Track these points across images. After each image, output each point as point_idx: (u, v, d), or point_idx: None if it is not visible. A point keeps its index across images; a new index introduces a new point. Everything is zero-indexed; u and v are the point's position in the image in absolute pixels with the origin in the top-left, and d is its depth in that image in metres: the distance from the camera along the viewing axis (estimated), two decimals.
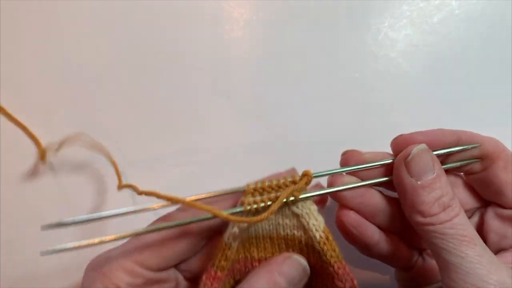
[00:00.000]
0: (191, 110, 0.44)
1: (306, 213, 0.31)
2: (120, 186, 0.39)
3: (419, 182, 0.29)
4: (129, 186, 0.37)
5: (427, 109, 0.44)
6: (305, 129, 0.44)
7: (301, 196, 0.31)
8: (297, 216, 0.32)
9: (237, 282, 0.33)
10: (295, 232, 0.32)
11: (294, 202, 0.31)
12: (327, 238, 0.31)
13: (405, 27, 0.45)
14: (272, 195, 0.31)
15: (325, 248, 0.31)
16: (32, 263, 0.41)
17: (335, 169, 0.33)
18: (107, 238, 0.29)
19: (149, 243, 0.31)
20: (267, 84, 0.45)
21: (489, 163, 0.32)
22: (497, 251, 0.33)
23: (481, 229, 0.34)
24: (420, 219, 0.29)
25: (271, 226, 0.32)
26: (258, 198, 0.31)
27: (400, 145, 0.32)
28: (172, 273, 0.33)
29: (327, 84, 0.44)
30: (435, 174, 0.30)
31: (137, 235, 0.30)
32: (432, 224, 0.29)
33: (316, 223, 0.31)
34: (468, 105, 0.44)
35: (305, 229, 0.31)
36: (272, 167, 0.34)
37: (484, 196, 0.34)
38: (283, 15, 0.45)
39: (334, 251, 0.31)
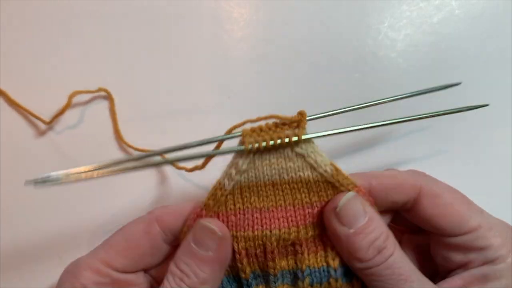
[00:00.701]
0: (191, 110, 0.44)
1: (311, 152, 0.31)
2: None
3: (351, 230, 0.29)
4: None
5: (427, 108, 0.44)
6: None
7: (304, 137, 0.30)
8: (302, 156, 0.31)
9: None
10: (301, 173, 0.31)
11: (296, 143, 0.31)
12: (336, 169, 0.31)
13: (405, 27, 0.45)
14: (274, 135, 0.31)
15: (339, 178, 0.31)
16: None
17: (330, 111, 0.33)
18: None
19: (114, 244, 0.32)
20: (267, 84, 0.45)
21: (415, 203, 0.32)
22: (446, 271, 0.32)
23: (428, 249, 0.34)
24: (358, 265, 0.29)
25: (273, 171, 0.32)
26: (259, 137, 0.31)
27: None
28: (142, 277, 0.33)
29: (327, 84, 0.45)
30: (366, 218, 0.30)
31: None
32: (370, 268, 0.29)
33: (322, 158, 0.31)
34: (467, 105, 0.44)
35: (313, 167, 0.31)
36: None
37: (426, 229, 0.33)
38: (283, 15, 0.46)
39: (347, 178, 0.31)
